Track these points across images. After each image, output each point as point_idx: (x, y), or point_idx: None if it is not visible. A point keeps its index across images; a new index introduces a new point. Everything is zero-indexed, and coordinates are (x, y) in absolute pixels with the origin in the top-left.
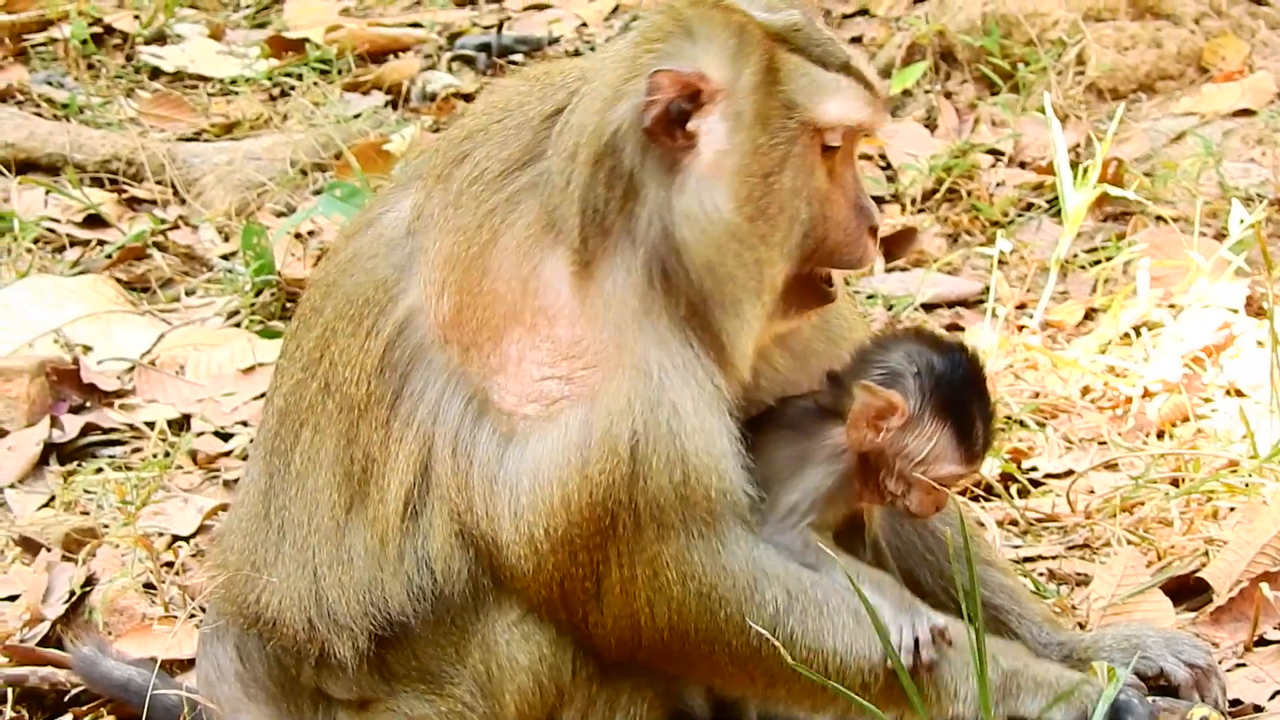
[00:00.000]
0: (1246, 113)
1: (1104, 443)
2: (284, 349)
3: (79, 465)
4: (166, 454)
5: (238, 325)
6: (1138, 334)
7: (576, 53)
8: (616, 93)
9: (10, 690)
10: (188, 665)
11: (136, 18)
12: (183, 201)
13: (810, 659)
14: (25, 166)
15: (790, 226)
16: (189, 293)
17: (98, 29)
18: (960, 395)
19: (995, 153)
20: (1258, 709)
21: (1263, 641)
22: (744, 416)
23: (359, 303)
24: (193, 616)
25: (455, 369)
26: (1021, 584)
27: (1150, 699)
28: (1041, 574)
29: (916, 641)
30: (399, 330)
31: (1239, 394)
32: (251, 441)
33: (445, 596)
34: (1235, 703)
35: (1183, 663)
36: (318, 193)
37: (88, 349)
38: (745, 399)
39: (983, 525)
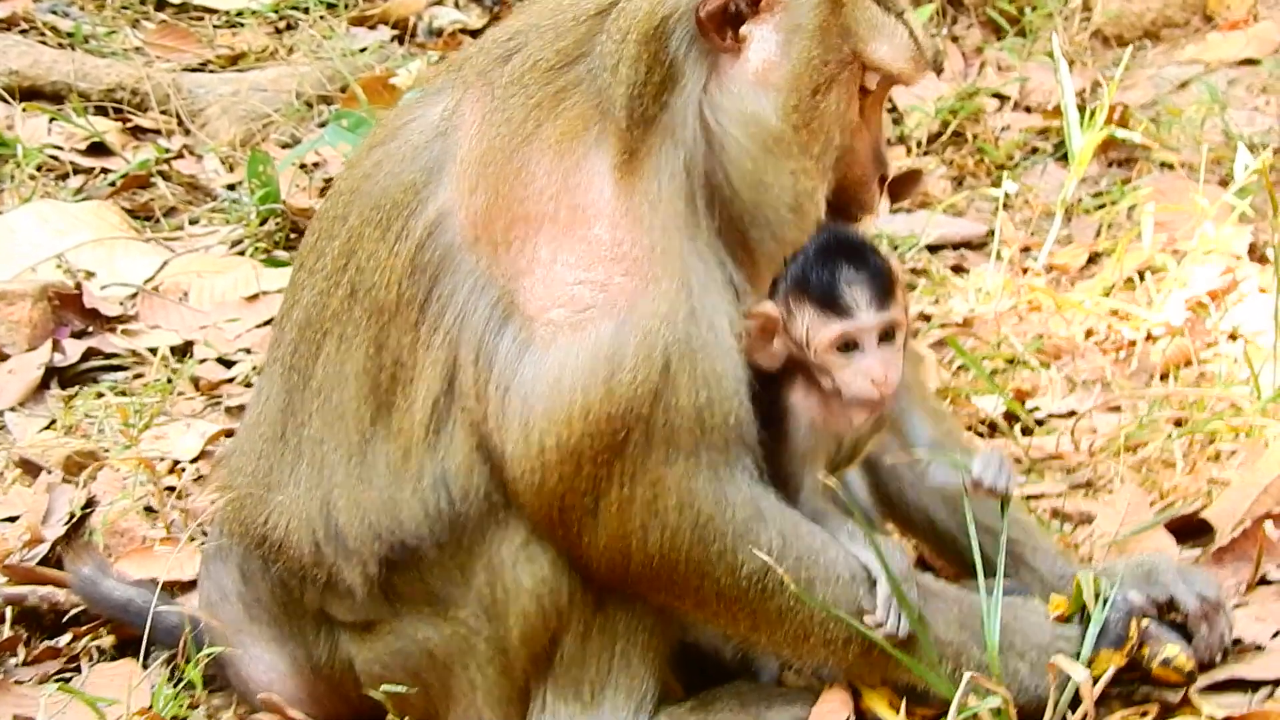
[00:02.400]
0: (1251, 62)
1: (1107, 384)
2: (301, 261)
3: (80, 390)
4: (169, 379)
5: (241, 254)
6: (1141, 278)
7: None
8: None
9: (9, 609)
10: (189, 587)
11: None
12: (187, 132)
13: (796, 607)
14: (29, 94)
15: (827, 147)
16: (193, 221)
17: None
18: (813, 263)
19: (1001, 97)
20: (1259, 648)
21: (1265, 581)
22: None
23: (386, 207)
24: (194, 539)
25: (484, 270)
26: (1033, 519)
27: (1144, 610)
28: (1045, 511)
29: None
30: (429, 231)
31: (1243, 339)
32: (256, 368)
33: (459, 518)
34: (1237, 641)
35: (1194, 593)
36: (323, 125)
37: (91, 274)
38: None
39: None
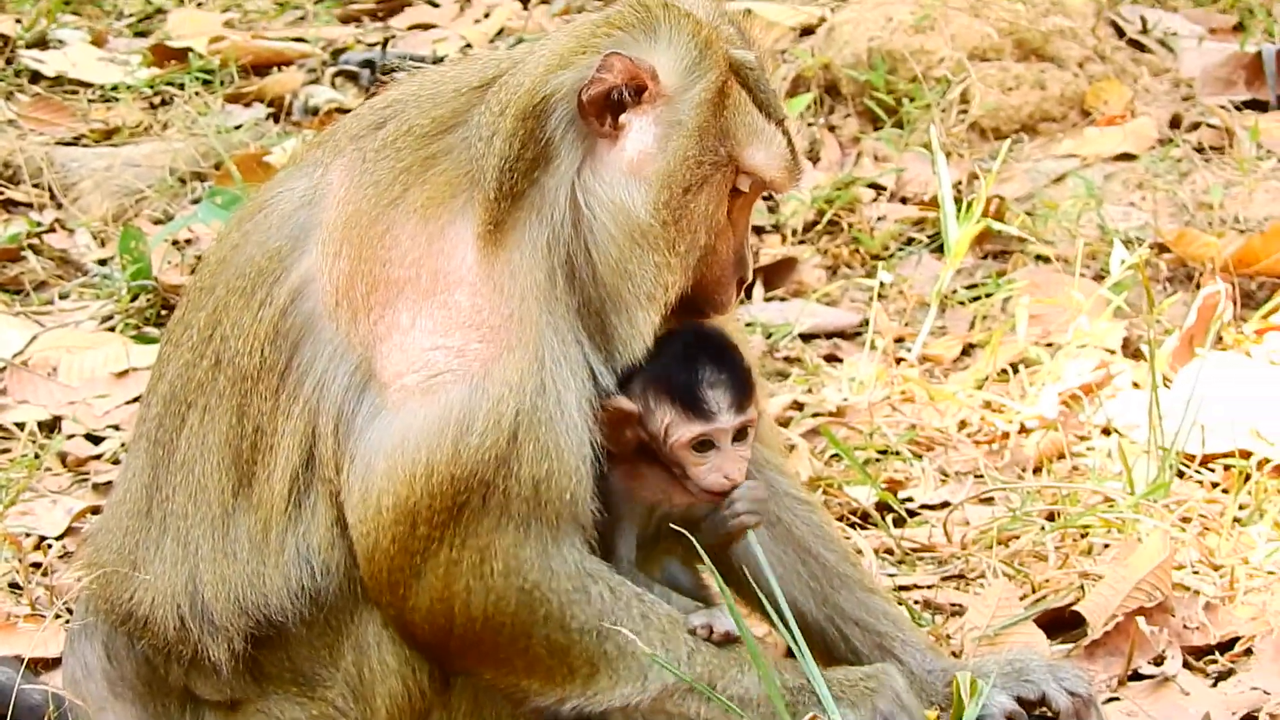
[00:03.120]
0: (1127, 157)
1: (980, 476)
2: (168, 335)
3: None
4: (36, 455)
5: (112, 330)
6: (1015, 371)
7: None
8: (563, 61)
9: None
10: (53, 664)
11: (18, 21)
12: (59, 206)
13: (631, 661)
14: None
15: (693, 245)
16: (63, 296)
17: None
18: (676, 362)
19: (877, 187)
20: None
21: (1137, 676)
22: None
23: (251, 274)
24: (60, 616)
25: (344, 337)
26: (903, 612)
27: None
28: (917, 602)
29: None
30: (291, 298)
31: (1116, 433)
32: (124, 445)
33: (322, 594)
34: None
35: (1064, 690)
36: (196, 201)
37: None
38: None
39: (860, 552)
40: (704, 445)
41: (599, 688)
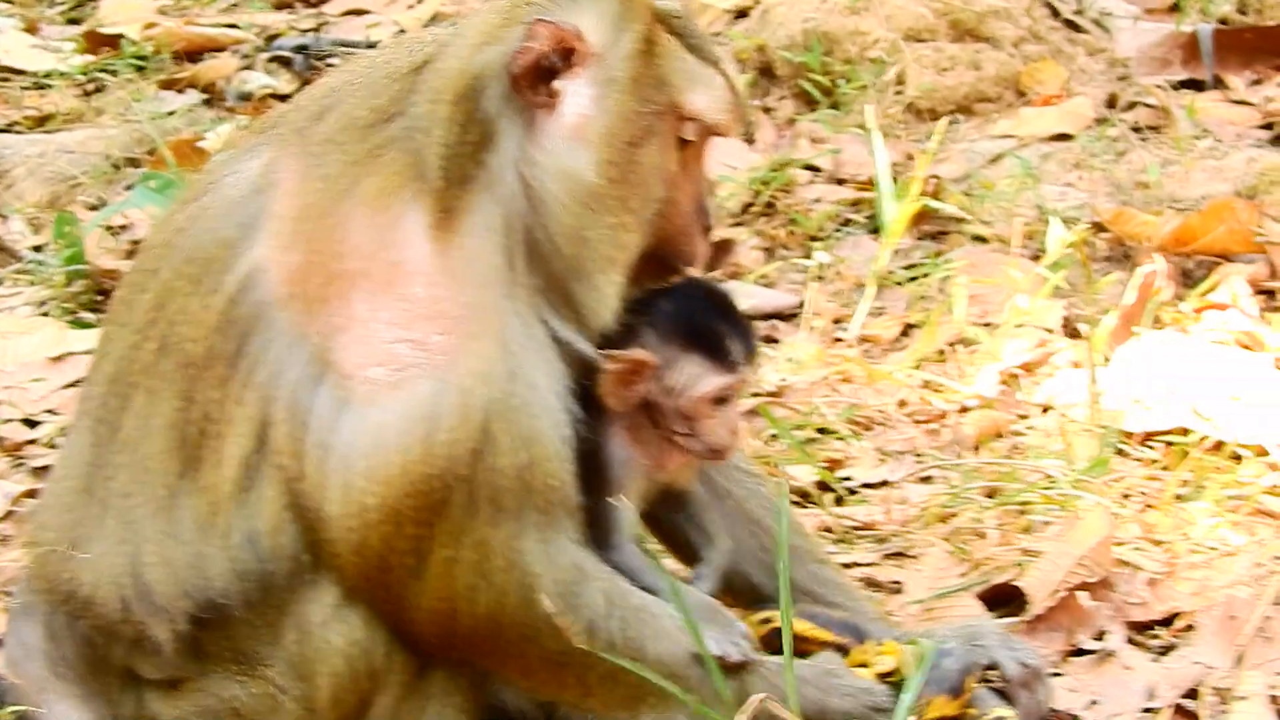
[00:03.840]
0: (1064, 137)
1: (919, 455)
2: (112, 315)
3: None
4: None
5: (46, 315)
6: (953, 350)
7: None
8: (489, 37)
9: None
10: None
11: None
12: None
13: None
14: None
15: (646, 200)
16: None
17: None
18: (697, 316)
19: (813, 168)
20: (1074, 718)
21: (1079, 651)
22: None
23: (200, 260)
24: None
25: (298, 328)
26: (853, 582)
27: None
28: (859, 580)
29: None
30: (242, 287)
31: (1056, 411)
32: (62, 430)
33: (267, 576)
34: (1052, 711)
35: (1016, 659)
36: (130, 188)
37: None
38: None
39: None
40: (721, 400)
41: (591, 704)
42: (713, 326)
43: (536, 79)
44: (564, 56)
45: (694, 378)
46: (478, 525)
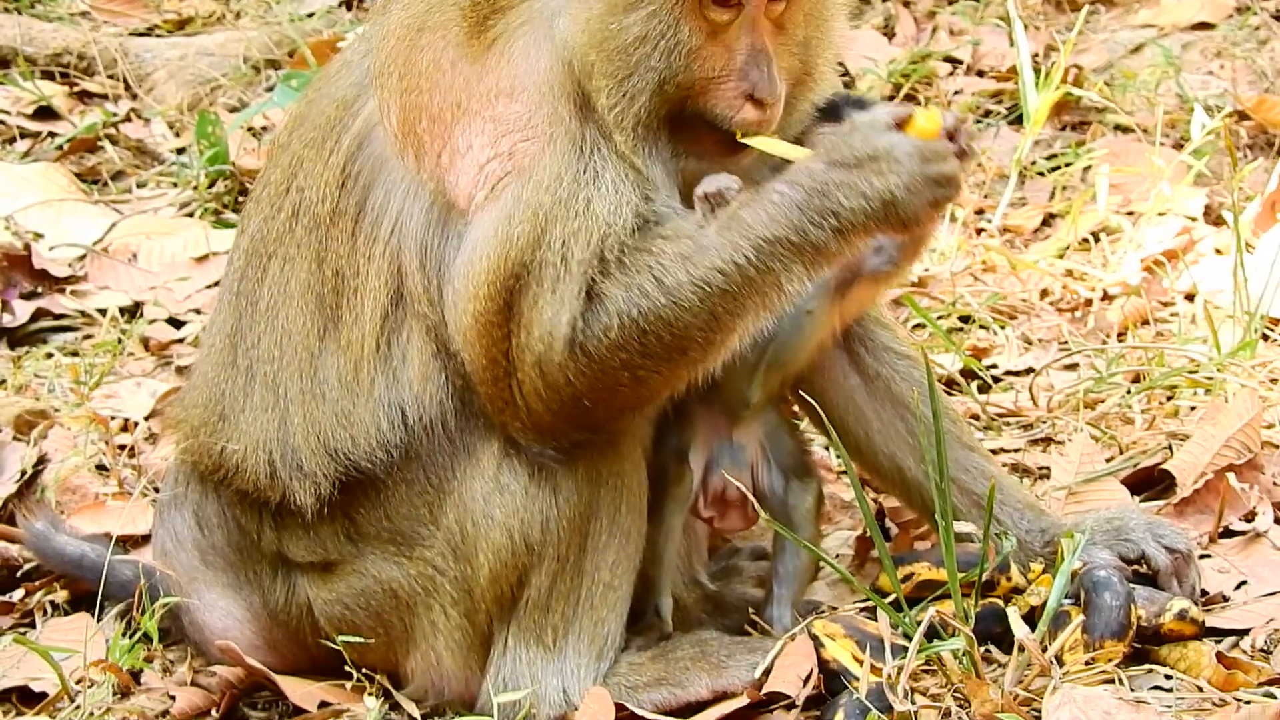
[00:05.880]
0: (1205, 26)
1: (1064, 343)
2: (251, 194)
3: (29, 350)
4: (119, 339)
5: (190, 216)
6: (1096, 239)
7: None
8: None
9: None
10: (143, 541)
11: None
12: (134, 96)
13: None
14: None
15: (634, 69)
16: (140, 185)
17: None
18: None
19: (953, 60)
20: (1224, 599)
21: (1228, 533)
22: None
23: (322, 125)
24: (145, 495)
25: (412, 175)
26: (1003, 471)
27: (1131, 586)
28: (1004, 466)
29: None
30: (358, 143)
31: (1200, 296)
32: (204, 328)
33: (417, 439)
34: (1203, 593)
35: (1164, 547)
36: (270, 89)
37: (39, 236)
38: None
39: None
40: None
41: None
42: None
43: None
44: None
45: None
46: (525, 305)
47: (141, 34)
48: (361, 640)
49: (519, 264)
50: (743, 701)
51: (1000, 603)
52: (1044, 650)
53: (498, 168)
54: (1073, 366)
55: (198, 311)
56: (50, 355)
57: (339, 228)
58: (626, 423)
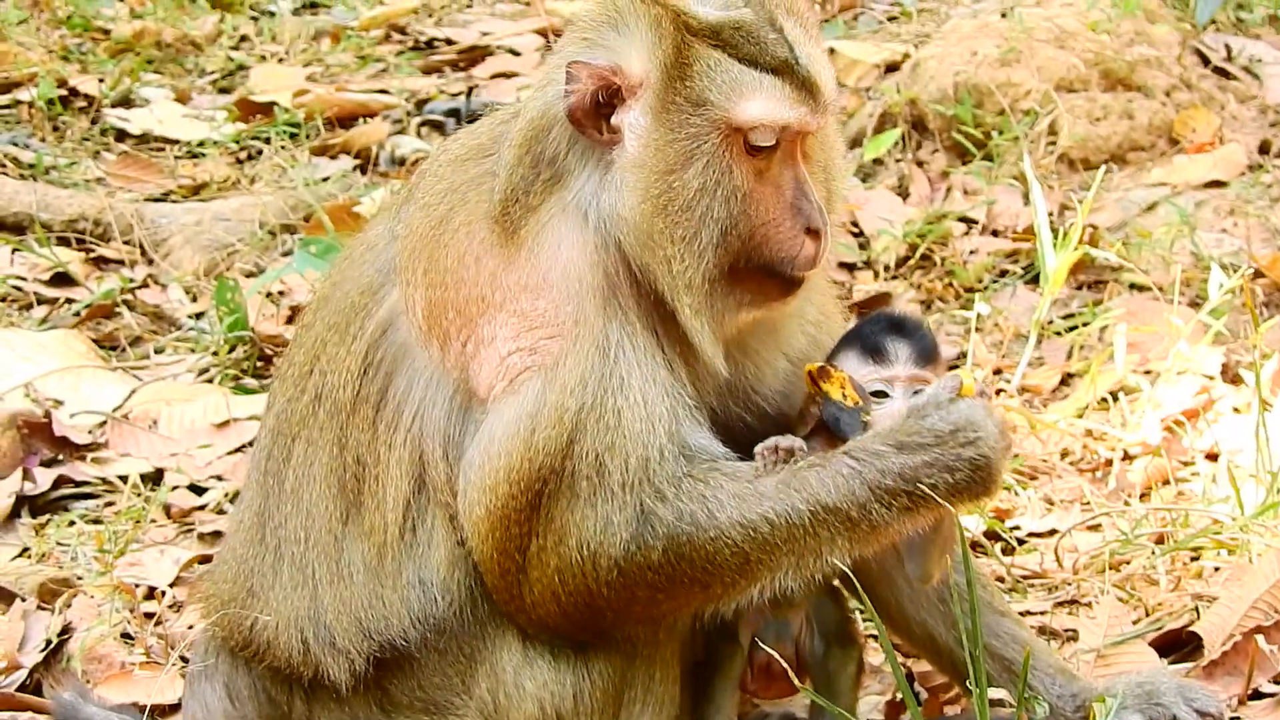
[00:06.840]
0: (1217, 184)
1: (1086, 503)
2: (277, 372)
3: (51, 518)
4: (141, 507)
5: (209, 382)
6: (1115, 399)
7: None
8: (547, 79)
9: None
10: (171, 711)
11: (101, 81)
12: (150, 261)
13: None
14: None
15: (700, 224)
16: (158, 350)
17: (62, 92)
18: (864, 324)
19: (968, 220)
20: None
21: (1257, 695)
22: (739, 409)
23: (346, 310)
24: (174, 664)
25: (436, 364)
26: (1032, 634)
27: None
28: (1032, 629)
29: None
30: (382, 330)
31: (1223, 455)
32: (228, 495)
33: (447, 618)
34: None
35: (1195, 710)
36: (287, 254)
37: (59, 403)
38: (737, 390)
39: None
40: (880, 394)
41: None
42: (873, 328)
43: (596, 118)
44: (612, 93)
45: (846, 359)
46: (557, 512)
47: (157, 199)
48: None
49: (547, 469)
50: None
51: None
52: None
53: (519, 361)
54: (1096, 527)
55: (219, 478)
56: (73, 523)
57: (360, 415)
58: (631, 632)
